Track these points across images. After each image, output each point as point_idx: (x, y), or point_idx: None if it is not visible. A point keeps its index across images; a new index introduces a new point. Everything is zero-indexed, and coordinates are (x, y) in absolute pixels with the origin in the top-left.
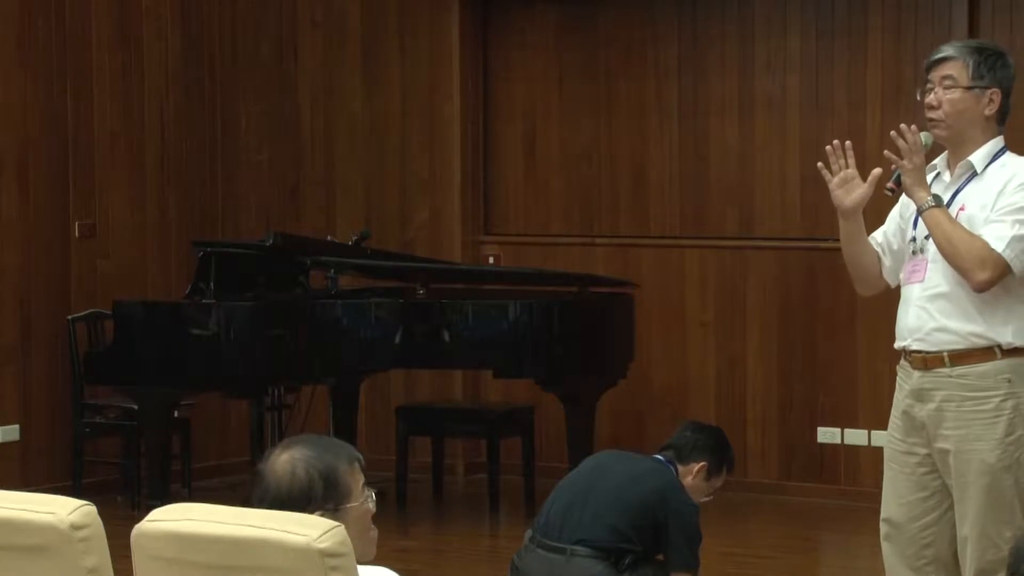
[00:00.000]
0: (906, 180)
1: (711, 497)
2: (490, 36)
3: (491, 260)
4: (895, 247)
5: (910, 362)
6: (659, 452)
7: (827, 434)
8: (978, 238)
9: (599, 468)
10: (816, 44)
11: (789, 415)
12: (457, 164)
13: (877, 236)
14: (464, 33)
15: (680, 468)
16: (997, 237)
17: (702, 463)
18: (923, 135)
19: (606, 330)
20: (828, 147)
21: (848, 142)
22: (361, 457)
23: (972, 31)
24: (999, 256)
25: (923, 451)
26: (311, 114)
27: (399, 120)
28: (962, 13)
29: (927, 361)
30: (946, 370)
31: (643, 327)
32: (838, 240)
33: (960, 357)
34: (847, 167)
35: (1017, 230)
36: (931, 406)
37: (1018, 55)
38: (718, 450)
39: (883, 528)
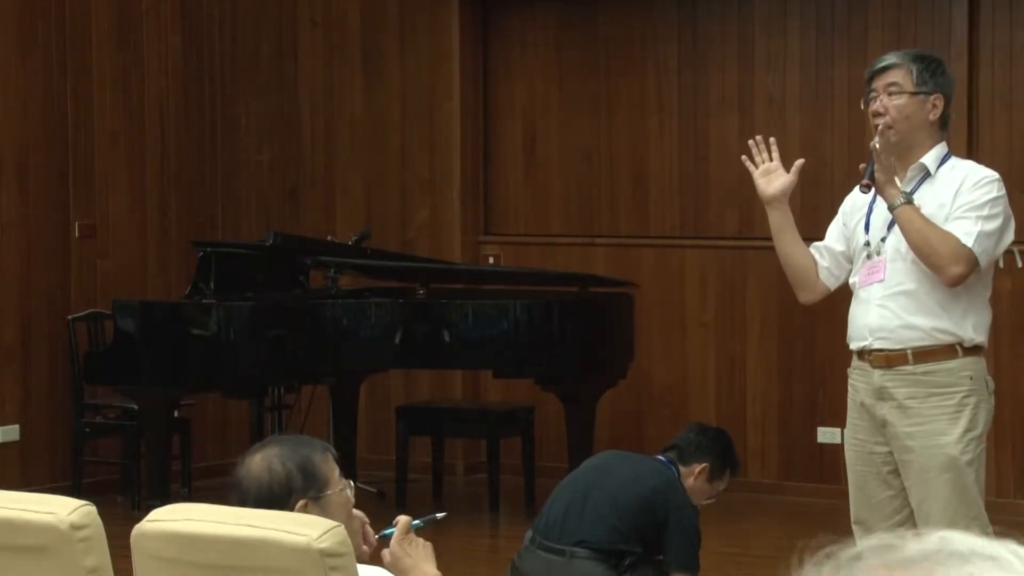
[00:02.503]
0: (879, 178)
1: (713, 500)
2: (490, 35)
3: (491, 260)
4: (837, 248)
5: (869, 361)
6: (662, 452)
7: (827, 434)
8: (950, 234)
9: (599, 468)
10: (816, 42)
11: (789, 415)
12: (457, 164)
13: (817, 243)
14: (464, 32)
15: (682, 469)
16: (965, 233)
17: (704, 464)
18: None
19: (606, 330)
20: (750, 141)
21: (772, 138)
22: (333, 448)
23: (972, 30)
24: (970, 251)
25: (885, 449)
26: (311, 114)
27: (399, 120)
28: (962, 12)
29: (889, 359)
30: (909, 367)
31: (643, 327)
32: None
33: (924, 355)
34: (770, 160)
35: (982, 226)
36: (892, 404)
37: (1018, 55)
38: (721, 453)
39: (856, 531)
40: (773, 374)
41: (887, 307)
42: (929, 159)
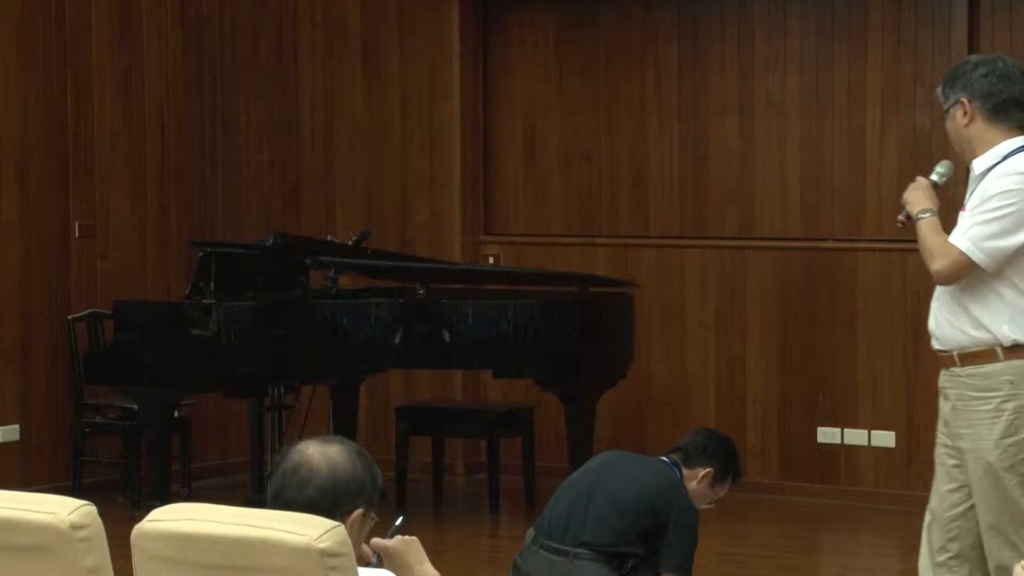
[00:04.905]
0: (906, 197)
1: (713, 505)
2: (490, 35)
3: (491, 260)
4: None
5: (938, 361)
6: (666, 454)
7: (827, 434)
8: (944, 237)
9: (603, 468)
10: (816, 44)
11: (789, 415)
12: (457, 164)
13: None
14: (464, 32)
15: (685, 472)
16: (958, 231)
17: (708, 469)
18: (942, 164)
19: (606, 330)
20: None
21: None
22: None
23: (972, 31)
24: (951, 247)
25: (950, 443)
26: (311, 114)
27: (399, 120)
28: (962, 13)
29: (943, 360)
30: (957, 369)
31: (643, 327)
32: (838, 240)
33: (968, 357)
34: None
35: (975, 218)
36: (948, 404)
37: (1018, 55)
38: (726, 458)
39: (926, 517)
40: (773, 374)
41: (936, 308)
42: (979, 162)
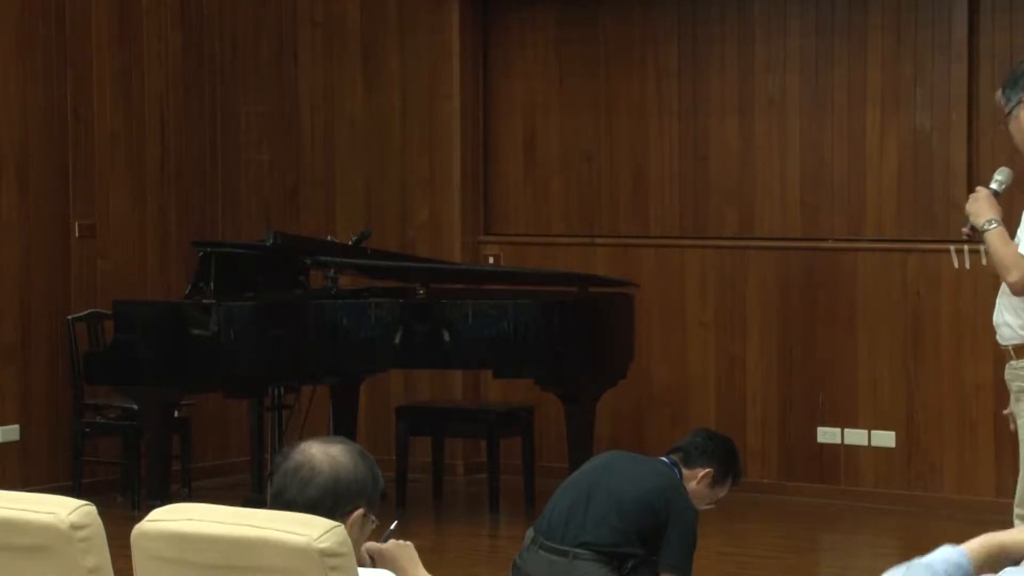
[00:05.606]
0: (969, 209)
1: (713, 505)
2: (490, 35)
3: (491, 260)
4: None
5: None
6: (666, 454)
7: (827, 434)
8: (1014, 247)
9: (602, 468)
10: (816, 44)
11: (789, 415)
12: (457, 164)
13: None
14: (464, 32)
15: (685, 472)
16: None
17: (708, 469)
18: (1001, 171)
19: (606, 330)
20: None
21: None
22: None
23: (972, 31)
24: (1023, 258)
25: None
26: (311, 114)
27: (399, 120)
28: (962, 13)
29: (1004, 354)
30: (1014, 362)
31: (643, 327)
32: (838, 240)
33: (1020, 350)
34: None
35: None
36: (1013, 396)
37: (1018, 56)
38: (726, 459)
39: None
40: (773, 374)
41: (997, 305)
42: None
